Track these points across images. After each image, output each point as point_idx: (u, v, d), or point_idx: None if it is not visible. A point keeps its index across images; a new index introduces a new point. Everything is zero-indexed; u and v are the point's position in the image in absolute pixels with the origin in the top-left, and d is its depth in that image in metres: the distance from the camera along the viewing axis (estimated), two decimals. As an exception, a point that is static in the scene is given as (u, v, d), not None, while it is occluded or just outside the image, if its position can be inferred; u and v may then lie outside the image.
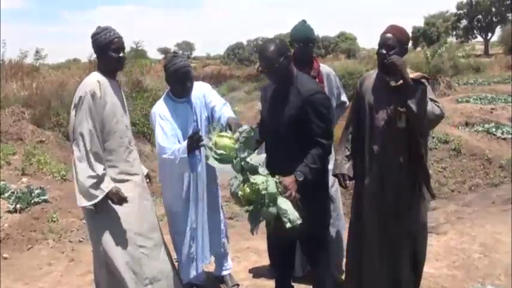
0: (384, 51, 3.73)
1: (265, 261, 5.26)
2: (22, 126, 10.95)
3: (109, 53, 3.90)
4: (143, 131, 12.22)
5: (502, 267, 5.13)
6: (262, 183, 3.30)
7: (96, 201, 3.74)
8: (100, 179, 3.73)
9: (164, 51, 77.07)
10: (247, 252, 5.53)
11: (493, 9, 65.14)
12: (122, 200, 3.78)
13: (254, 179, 3.33)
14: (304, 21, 4.58)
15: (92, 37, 3.95)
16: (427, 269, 5.07)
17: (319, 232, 3.79)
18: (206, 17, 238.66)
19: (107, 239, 3.89)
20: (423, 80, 3.73)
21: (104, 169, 3.79)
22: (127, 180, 3.95)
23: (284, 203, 3.32)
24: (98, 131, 3.80)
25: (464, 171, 9.56)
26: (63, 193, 7.74)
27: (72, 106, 3.84)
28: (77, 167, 3.75)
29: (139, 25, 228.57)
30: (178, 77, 4.17)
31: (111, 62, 3.94)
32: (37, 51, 18.76)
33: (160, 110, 4.22)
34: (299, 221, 3.28)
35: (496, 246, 5.68)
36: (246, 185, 3.35)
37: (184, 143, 3.98)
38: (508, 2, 63.87)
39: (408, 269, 3.93)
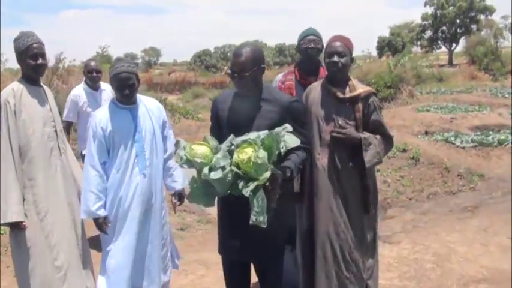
0: (336, 59, 3.66)
1: (213, 274, 5.13)
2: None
3: (26, 60, 3.78)
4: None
5: (454, 278, 5.09)
6: (260, 156, 3.06)
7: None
8: (6, 201, 3.64)
9: (131, 56, 76.64)
10: (195, 265, 5.37)
11: (458, 21, 66.44)
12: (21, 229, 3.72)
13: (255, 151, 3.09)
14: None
15: (13, 42, 3.82)
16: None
17: (281, 252, 3.52)
18: (174, 23, 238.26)
19: (20, 260, 3.79)
20: (372, 99, 3.75)
21: (14, 189, 3.68)
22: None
23: (262, 196, 3.09)
24: (14, 142, 3.69)
25: (423, 180, 9.53)
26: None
27: None
28: None
29: (106, 29, 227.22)
30: (116, 82, 3.88)
31: (28, 69, 3.82)
32: (-3, 55, 18.32)
33: (100, 114, 4.00)
34: (263, 225, 3.07)
35: (449, 255, 5.64)
36: (244, 150, 3.11)
37: (94, 206, 3.85)
38: (472, 14, 65.28)
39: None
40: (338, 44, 3.71)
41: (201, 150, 3.19)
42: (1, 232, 6.60)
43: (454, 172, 9.73)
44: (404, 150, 10.30)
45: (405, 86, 20.52)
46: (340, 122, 3.69)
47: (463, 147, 11.17)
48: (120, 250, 3.95)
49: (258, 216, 3.06)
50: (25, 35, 3.80)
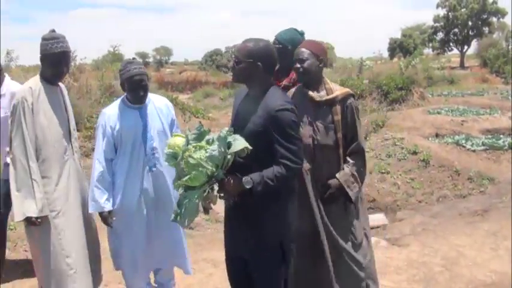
0: (298, 65, 3.71)
1: (221, 273, 5.13)
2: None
3: (50, 64, 3.84)
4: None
5: (463, 282, 5.08)
6: (194, 156, 2.97)
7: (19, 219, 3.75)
8: (25, 197, 3.69)
9: (142, 55, 76.71)
10: (204, 263, 5.38)
11: (470, 23, 66.04)
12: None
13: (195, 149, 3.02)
14: (295, 29, 4.32)
15: (42, 40, 3.84)
16: (386, 282, 5.01)
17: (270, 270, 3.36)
18: (185, 22, 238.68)
19: (37, 255, 3.85)
20: (350, 101, 3.74)
21: (32, 185, 3.72)
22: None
23: (191, 198, 3.03)
24: (31, 140, 3.73)
25: (433, 183, 9.51)
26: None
27: (9, 114, 3.79)
28: (11, 178, 3.73)
29: (118, 28, 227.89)
30: (131, 84, 4.02)
31: (49, 72, 3.89)
32: (8, 53, 18.36)
33: (110, 112, 4.14)
34: (182, 226, 3.10)
35: (458, 259, 5.63)
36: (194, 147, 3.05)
37: (101, 200, 3.99)
38: (484, 16, 64.89)
39: None
40: (301, 50, 3.74)
41: (172, 141, 3.20)
42: (10, 228, 6.65)
43: (464, 175, 9.70)
44: (414, 153, 10.26)
45: (416, 88, 20.42)
46: (319, 124, 3.69)
47: (474, 151, 11.11)
48: (132, 243, 4.11)
49: (178, 215, 3.06)
50: (56, 39, 3.82)
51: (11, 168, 3.75)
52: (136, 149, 4.08)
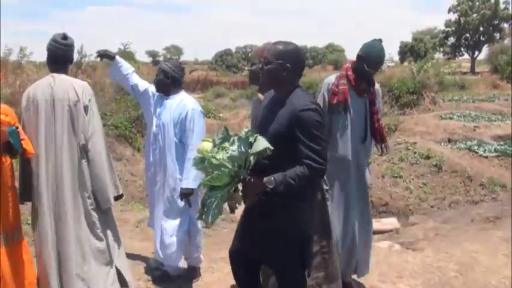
0: None
1: (239, 272, 5.20)
2: (2, 125, 10.75)
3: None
4: (125, 134, 12.02)
5: (477, 287, 5.10)
6: (217, 157, 3.03)
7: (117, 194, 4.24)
8: (112, 179, 4.20)
9: (152, 54, 77.08)
10: (221, 263, 5.40)
11: (481, 29, 65.92)
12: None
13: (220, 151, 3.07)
14: (381, 41, 4.41)
15: (73, 44, 4.21)
16: (403, 286, 5.07)
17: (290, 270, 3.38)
18: (196, 22, 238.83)
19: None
20: None
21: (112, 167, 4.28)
22: None
23: (215, 197, 3.08)
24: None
25: (445, 188, 9.54)
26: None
27: (81, 106, 4.03)
28: (105, 162, 4.12)
29: (129, 26, 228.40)
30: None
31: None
32: (21, 49, 18.43)
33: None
34: (207, 224, 3.16)
35: (472, 265, 5.64)
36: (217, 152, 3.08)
37: None
38: (496, 22, 64.72)
39: None
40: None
41: (201, 146, 3.21)
42: (28, 222, 6.69)
43: (476, 181, 9.73)
44: (427, 157, 10.29)
45: (428, 92, 20.43)
46: None
47: (486, 157, 11.13)
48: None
49: (202, 214, 3.12)
50: None
51: (96, 151, 4.06)
52: (150, 128, 4.88)
